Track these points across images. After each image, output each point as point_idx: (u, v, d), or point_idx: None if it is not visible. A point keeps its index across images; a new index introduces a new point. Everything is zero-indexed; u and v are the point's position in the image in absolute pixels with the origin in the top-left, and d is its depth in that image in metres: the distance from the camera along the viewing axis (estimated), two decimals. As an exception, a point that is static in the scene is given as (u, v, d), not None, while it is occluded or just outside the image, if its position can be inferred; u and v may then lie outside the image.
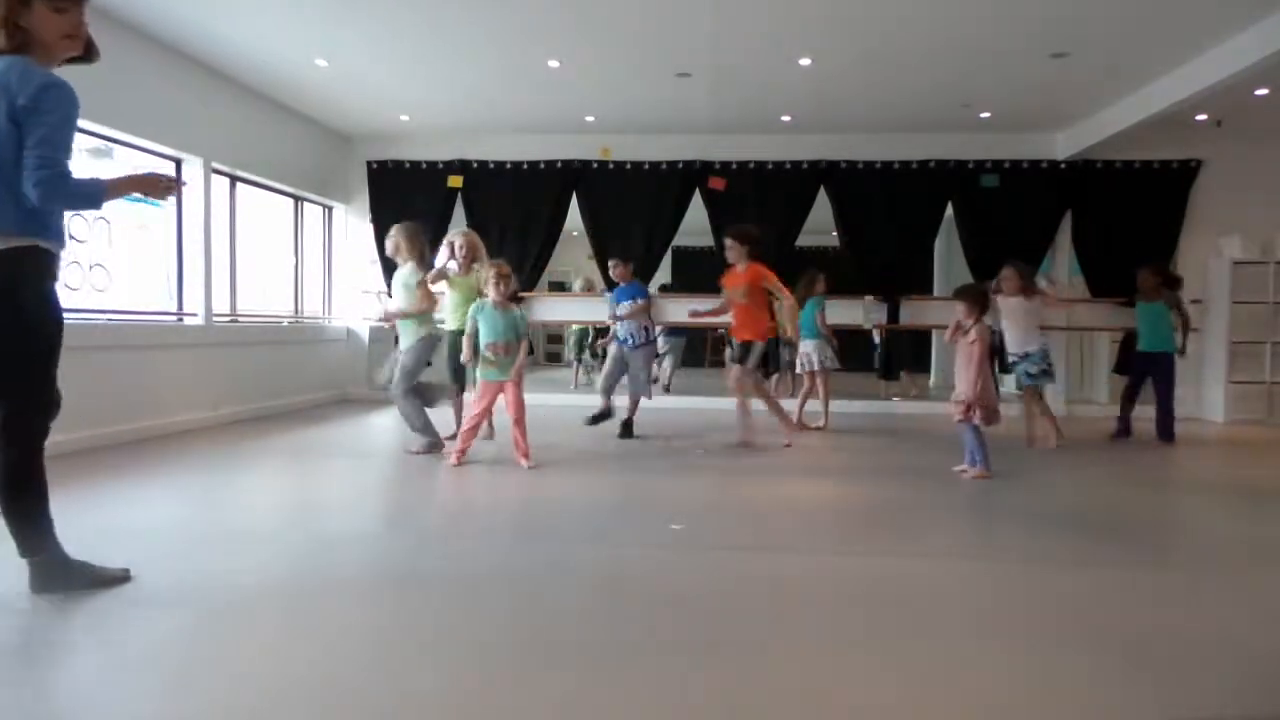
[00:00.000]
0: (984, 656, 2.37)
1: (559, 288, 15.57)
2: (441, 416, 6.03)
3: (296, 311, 9.02)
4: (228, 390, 7.20)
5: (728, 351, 7.63)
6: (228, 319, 7.59)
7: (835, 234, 9.18)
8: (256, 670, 2.22)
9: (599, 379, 7.07)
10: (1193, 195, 8.62)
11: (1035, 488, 5.03)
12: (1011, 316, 6.34)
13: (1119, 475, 5.63)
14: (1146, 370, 6.97)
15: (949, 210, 8.91)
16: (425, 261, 5.78)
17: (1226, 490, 5.19)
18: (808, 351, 7.24)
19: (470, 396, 5.83)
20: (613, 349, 6.66)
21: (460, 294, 5.99)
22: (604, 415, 6.59)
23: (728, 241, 6.19)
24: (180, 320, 6.90)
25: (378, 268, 9.27)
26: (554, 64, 6.83)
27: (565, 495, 4.51)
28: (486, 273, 5.24)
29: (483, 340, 5.16)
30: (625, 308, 6.54)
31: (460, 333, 5.90)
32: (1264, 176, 8.45)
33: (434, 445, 5.60)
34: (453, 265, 6.02)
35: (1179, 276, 7.27)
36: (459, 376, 6.09)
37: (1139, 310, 7.03)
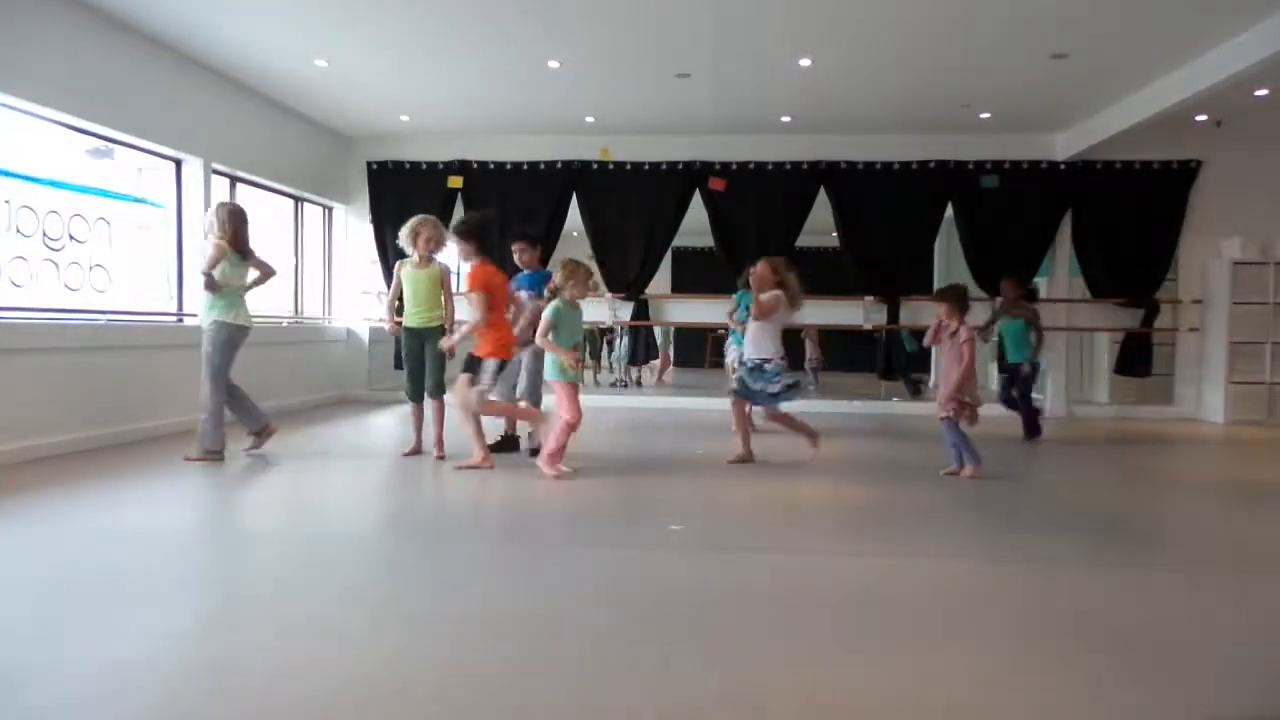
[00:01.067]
0: (984, 657, 2.36)
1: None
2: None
3: (296, 312, 9.01)
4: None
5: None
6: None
7: (835, 234, 9.18)
8: (256, 670, 2.22)
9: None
10: (1193, 196, 8.62)
11: (1032, 488, 5.04)
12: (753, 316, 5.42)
13: (1116, 476, 5.63)
14: (1013, 377, 6.92)
15: (949, 211, 8.92)
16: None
17: (1226, 491, 5.19)
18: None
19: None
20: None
21: (422, 288, 5.44)
22: (506, 441, 5.57)
23: (453, 240, 5.36)
24: (180, 321, 6.90)
25: (378, 268, 9.28)
26: (554, 65, 6.83)
27: (563, 496, 4.50)
28: (564, 273, 4.83)
29: (566, 343, 4.84)
30: (527, 297, 5.55)
31: (419, 331, 5.42)
32: (1264, 177, 8.45)
33: (209, 455, 5.13)
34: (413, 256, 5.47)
35: (1034, 290, 7.32)
36: (418, 381, 5.50)
37: (1002, 324, 7.04)
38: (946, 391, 5.03)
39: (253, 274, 5.41)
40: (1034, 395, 7.10)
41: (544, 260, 5.61)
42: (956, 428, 5.06)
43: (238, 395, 5.36)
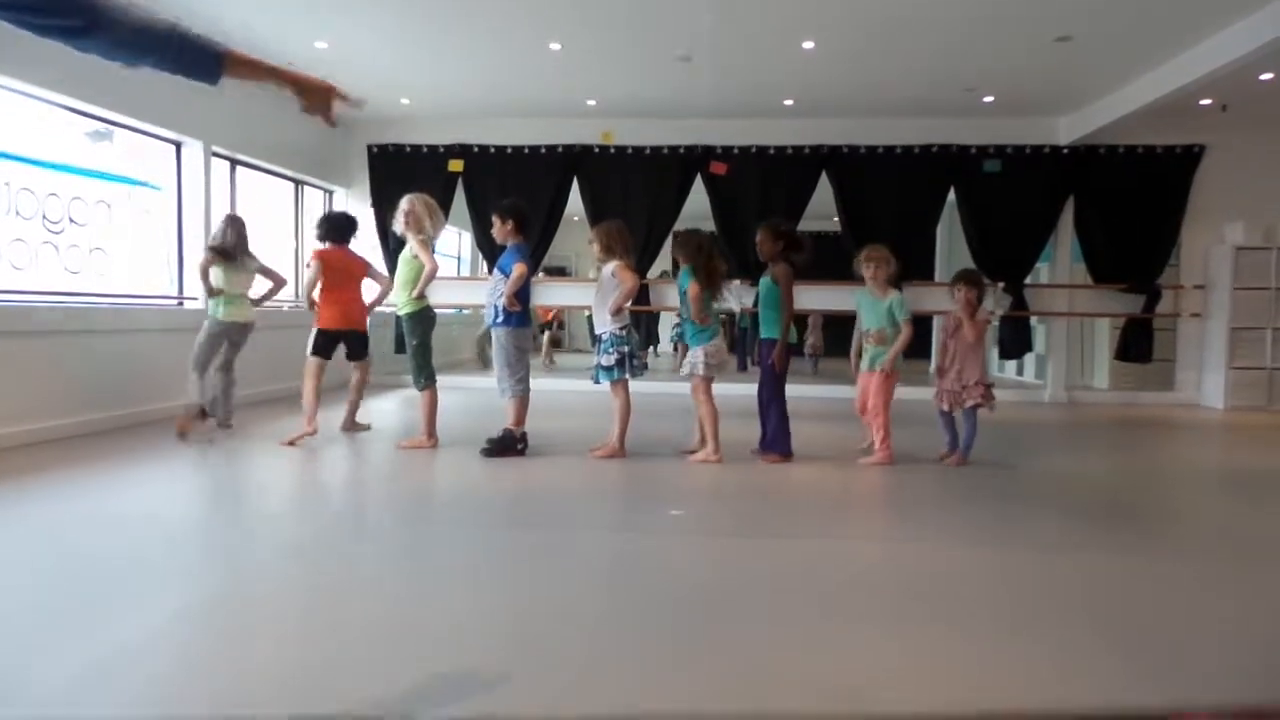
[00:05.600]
0: (985, 642, 2.37)
1: (559, 272, 15.55)
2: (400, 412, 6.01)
3: (297, 296, 9.00)
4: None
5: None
6: (228, 303, 7.58)
7: (837, 219, 9.15)
8: (253, 658, 2.24)
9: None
10: (1196, 181, 8.58)
11: (1032, 474, 5.04)
12: (598, 287, 5.16)
13: (1116, 462, 5.64)
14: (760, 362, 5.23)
15: (951, 195, 8.89)
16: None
17: (1225, 477, 5.20)
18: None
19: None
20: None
21: (406, 271, 5.21)
22: (506, 441, 5.07)
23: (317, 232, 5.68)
24: (180, 304, 6.90)
25: (379, 252, 9.25)
26: (555, 47, 6.79)
27: (564, 482, 4.52)
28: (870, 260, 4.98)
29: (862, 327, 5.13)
30: (498, 279, 5.13)
31: (413, 314, 5.20)
32: (1268, 162, 8.41)
33: (184, 424, 5.47)
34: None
35: (800, 240, 5.22)
36: (424, 366, 5.26)
37: (761, 285, 5.21)
38: (976, 378, 4.98)
39: (260, 283, 5.87)
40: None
41: (522, 232, 5.20)
42: (975, 415, 5.06)
43: (228, 383, 5.78)
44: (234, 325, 5.66)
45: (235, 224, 5.75)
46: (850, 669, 2.18)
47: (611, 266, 5.03)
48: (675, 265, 5.52)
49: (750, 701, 1.99)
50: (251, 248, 5.82)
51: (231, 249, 5.64)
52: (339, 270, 5.56)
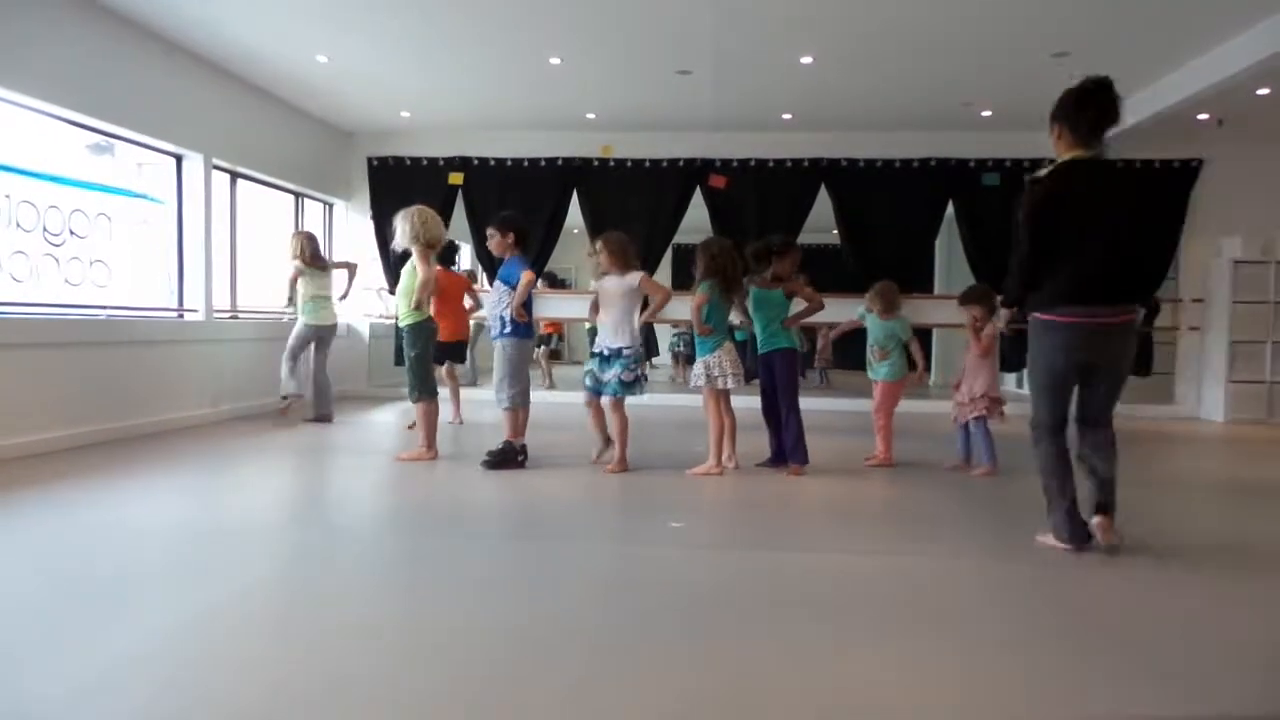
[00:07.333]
0: (987, 655, 2.36)
1: (560, 284, 15.53)
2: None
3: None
4: (229, 386, 7.19)
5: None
6: (228, 315, 7.59)
7: (836, 232, 9.18)
8: (255, 670, 2.22)
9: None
10: (1194, 195, 8.61)
11: (1032, 487, 5.02)
12: (607, 300, 5.06)
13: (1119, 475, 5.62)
14: (770, 377, 5.17)
15: (950, 209, 8.91)
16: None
17: (1227, 490, 5.20)
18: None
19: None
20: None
21: (410, 282, 5.16)
22: (506, 453, 5.08)
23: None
24: (181, 316, 6.90)
25: (378, 265, 9.27)
26: (555, 61, 6.83)
27: (564, 494, 4.51)
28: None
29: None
30: (501, 290, 5.11)
31: (414, 326, 5.15)
32: (1265, 176, 8.44)
33: (288, 402, 6.91)
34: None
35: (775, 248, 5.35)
36: (424, 378, 5.24)
37: (754, 298, 5.24)
38: (985, 390, 5.04)
39: (339, 277, 7.35)
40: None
41: (522, 245, 5.20)
42: (985, 425, 5.10)
43: (325, 383, 7.00)
44: (321, 327, 6.90)
45: (309, 238, 6.99)
46: (848, 683, 2.17)
47: (635, 278, 4.99)
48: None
49: (747, 715, 1.98)
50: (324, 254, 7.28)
51: (309, 260, 6.87)
52: (445, 289, 6.28)
